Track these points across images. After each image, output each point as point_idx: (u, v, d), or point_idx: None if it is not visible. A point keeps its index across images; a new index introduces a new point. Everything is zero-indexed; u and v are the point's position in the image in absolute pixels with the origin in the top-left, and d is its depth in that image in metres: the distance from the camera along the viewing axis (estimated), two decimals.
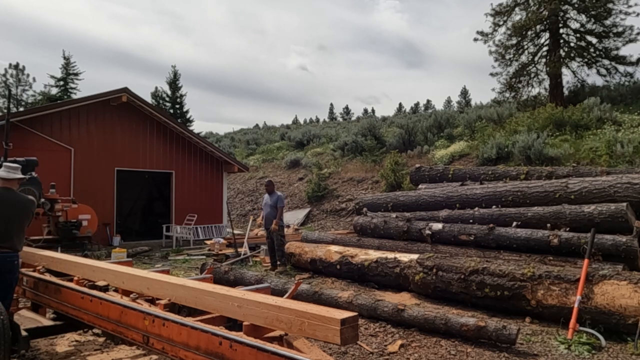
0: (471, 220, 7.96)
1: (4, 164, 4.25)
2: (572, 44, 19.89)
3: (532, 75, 20.54)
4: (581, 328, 4.83)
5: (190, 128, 30.72)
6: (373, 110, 74.17)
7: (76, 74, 35.07)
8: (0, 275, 3.90)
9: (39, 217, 8.91)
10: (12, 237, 3.97)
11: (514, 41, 20.43)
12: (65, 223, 9.97)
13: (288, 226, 9.16)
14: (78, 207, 10.45)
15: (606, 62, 19.55)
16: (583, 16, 19.43)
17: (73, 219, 10.19)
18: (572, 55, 19.63)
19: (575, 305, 4.94)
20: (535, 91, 21.27)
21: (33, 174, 7.43)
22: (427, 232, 8.09)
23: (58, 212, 9.76)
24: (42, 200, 7.93)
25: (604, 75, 19.89)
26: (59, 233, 9.87)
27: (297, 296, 4.83)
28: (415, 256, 7.03)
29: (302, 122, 59.19)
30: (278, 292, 5.62)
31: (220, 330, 2.61)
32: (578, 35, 19.78)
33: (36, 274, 4.49)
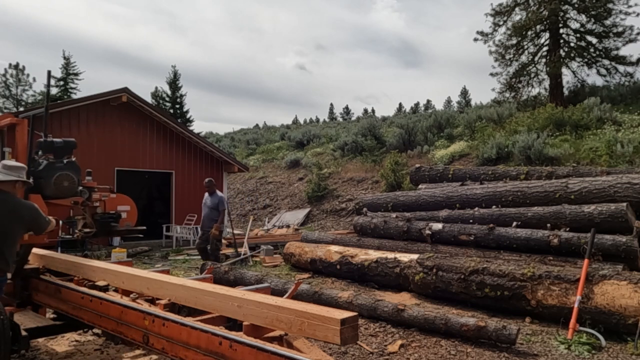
0: (471, 220, 7.96)
1: (1, 162, 3.71)
2: (572, 44, 19.90)
3: (532, 75, 20.56)
4: (581, 328, 4.83)
5: (190, 128, 30.72)
6: (373, 110, 74.27)
7: (76, 74, 35.17)
8: None
9: (77, 206, 8.37)
10: None
11: (514, 41, 20.45)
12: (103, 215, 9.19)
13: (222, 232, 8.92)
14: (117, 196, 9.72)
15: (606, 62, 19.58)
16: (583, 16, 19.46)
17: (111, 210, 9.45)
18: (572, 55, 19.65)
19: (575, 305, 4.94)
20: (535, 91, 21.34)
21: (72, 158, 6.72)
22: (427, 232, 8.09)
23: (95, 202, 9.01)
24: (80, 188, 7.24)
25: (604, 75, 19.94)
26: (96, 226, 9.12)
27: (297, 296, 4.83)
28: (415, 256, 7.03)
29: (302, 122, 59.25)
30: (278, 292, 5.62)
31: (220, 330, 2.61)
32: (578, 35, 19.80)
33: None
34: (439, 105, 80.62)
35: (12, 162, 3.77)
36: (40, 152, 5.64)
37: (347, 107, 75.07)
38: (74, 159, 6.24)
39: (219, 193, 9.03)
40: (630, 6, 18.48)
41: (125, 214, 10.17)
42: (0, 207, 3.43)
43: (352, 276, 7.92)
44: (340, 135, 25.80)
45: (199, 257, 11.45)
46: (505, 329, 4.53)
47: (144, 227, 9.22)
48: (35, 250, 4.74)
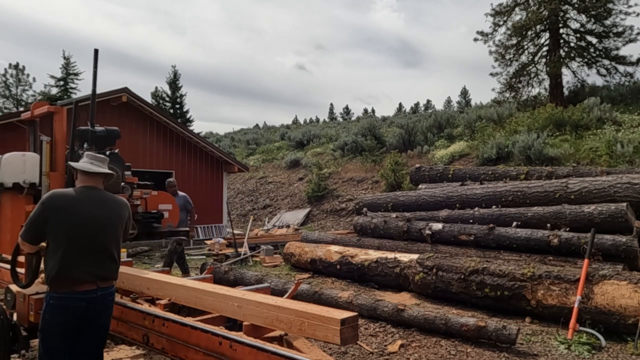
0: (471, 220, 7.96)
1: (86, 153, 3.17)
2: (572, 44, 19.89)
3: (532, 75, 20.54)
4: (581, 328, 4.83)
5: (190, 128, 30.70)
6: (373, 110, 74.23)
7: (76, 74, 35.11)
8: (92, 326, 2.77)
9: None
10: (103, 261, 2.80)
11: (514, 41, 20.43)
12: (144, 214, 8.10)
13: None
14: (158, 194, 8.65)
15: (606, 62, 19.56)
16: (583, 16, 19.44)
17: (153, 210, 8.39)
18: (572, 55, 19.63)
19: (575, 305, 4.94)
20: (535, 91, 21.30)
21: (115, 149, 5.77)
22: (427, 232, 8.09)
23: (136, 200, 7.90)
24: (123, 184, 6.09)
25: (604, 75, 19.91)
26: (138, 227, 7.96)
27: (297, 296, 4.83)
28: (415, 256, 7.03)
29: (302, 122, 59.23)
30: (278, 292, 5.62)
31: (220, 330, 2.61)
32: (578, 35, 19.79)
33: None
34: (439, 105, 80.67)
35: (98, 154, 3.23)
36: (86, 144, 5.05)
37: (347, 107, 75.09)
38: (116, 151, 5.47)
39: (181, 193, 8.56)
40: (630, 6, 18.48)
41: (167, 213, 8.99)
42: (106, 205, 2.90)
43: (352, 276, 7.92)
44: (340, 135, 25.78)
45: (198, 257, 11.47)
46: (505, 329, 4.54)
47: (188, 229, 8.32)
48: None
